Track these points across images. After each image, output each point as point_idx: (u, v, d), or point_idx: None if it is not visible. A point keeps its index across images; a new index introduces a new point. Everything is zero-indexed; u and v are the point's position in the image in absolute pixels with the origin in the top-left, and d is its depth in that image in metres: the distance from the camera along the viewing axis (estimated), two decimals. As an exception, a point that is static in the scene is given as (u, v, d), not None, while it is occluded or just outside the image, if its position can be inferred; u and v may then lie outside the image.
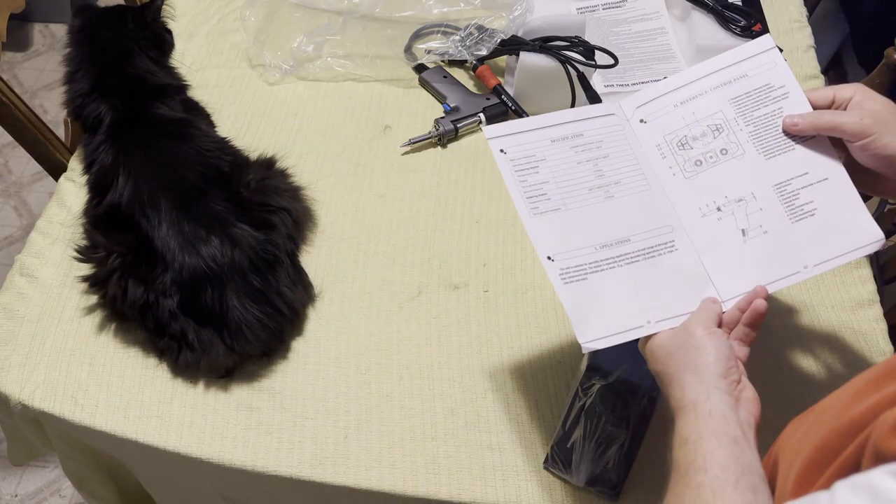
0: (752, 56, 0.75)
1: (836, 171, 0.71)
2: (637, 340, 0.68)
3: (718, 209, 0.71)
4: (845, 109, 0.69)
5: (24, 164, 2.03)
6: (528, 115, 1.08)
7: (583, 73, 1.03)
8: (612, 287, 0.68)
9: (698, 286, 0.69)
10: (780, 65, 0.74)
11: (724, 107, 0.73)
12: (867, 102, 0.68)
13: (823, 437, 0.47)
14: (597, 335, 0.66)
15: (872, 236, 0.69)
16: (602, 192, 0.71)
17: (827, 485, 0.43)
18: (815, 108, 0.72)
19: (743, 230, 0.70)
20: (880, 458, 0.40)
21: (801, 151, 0.71)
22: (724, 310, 0.68)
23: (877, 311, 0.91)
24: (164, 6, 1.02)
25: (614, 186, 0.71)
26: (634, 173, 0.72)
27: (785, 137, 0.72)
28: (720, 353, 0.62)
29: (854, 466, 0.43)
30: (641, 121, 0.74)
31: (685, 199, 0.72)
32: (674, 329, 0.66)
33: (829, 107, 0.71)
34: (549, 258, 0.67)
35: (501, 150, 0.70)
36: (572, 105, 1.04)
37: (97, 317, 0.88)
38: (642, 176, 0.72)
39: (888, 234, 1.09)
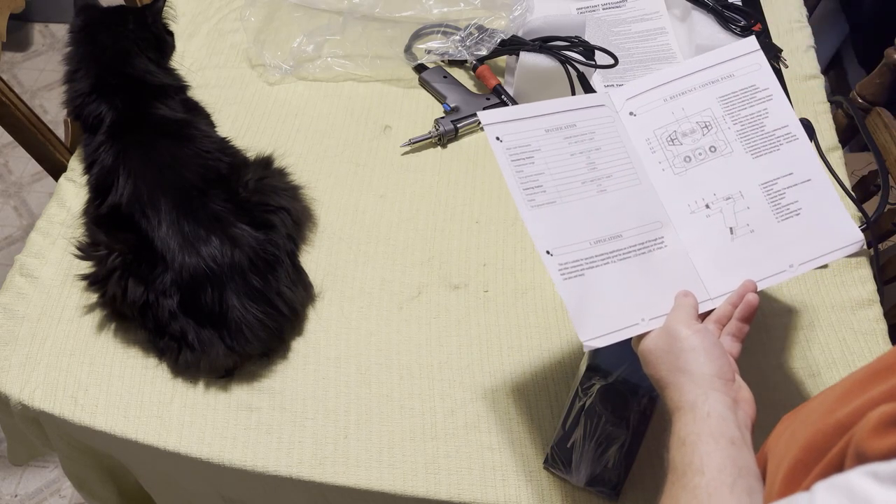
0: (738, 56, 0.76)
1: (818, 173, 0.72)
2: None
3: (707, 206, 0.71)
4: None
5: (24, 164, 2.03)
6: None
7: (583, 73, 1.03)
8: (607, 284, 0.68)
9: (687, 283, 0.69)
10: (764, 67, 0.75)
11: (713, 104, 0.74)
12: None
13: (810, 438, 0.47)
14: (596, 333, 0.66)
15: (853, 237, 0.71)
16: (595, 185, 0.71)
17: (812, 485, 0.42)
18: None
19: (731, 228, 0.71)
20: (861, 459, 0.40)
21: (785, 152, 0.73)
22: (713, 307, 0.68)
23: (877, 311, 0.91)
24: (164, 7, 1.02)
25: (606, 180, 0.72)
26: (625, 167, 0.73)
27: (771, 137, 0.73)
28: (710, 352, 0.62)
29: (838, 467, 0.43)
30: (631, 113, 0.75)
31: (674, 195, 0.72)
32: (658, 331, 0.66)
33: None
34: (548, 252, 0.67)
35: (497, 138, 0.70)
36: (572, 105, 1.05)
37: (97, 317, 0.88)
38: (632, 170, 0.73)
39: (888, 234, 1.09)
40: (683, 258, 0.70)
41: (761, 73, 0.75)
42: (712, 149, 0.73)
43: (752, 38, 0.77)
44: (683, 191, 0.72)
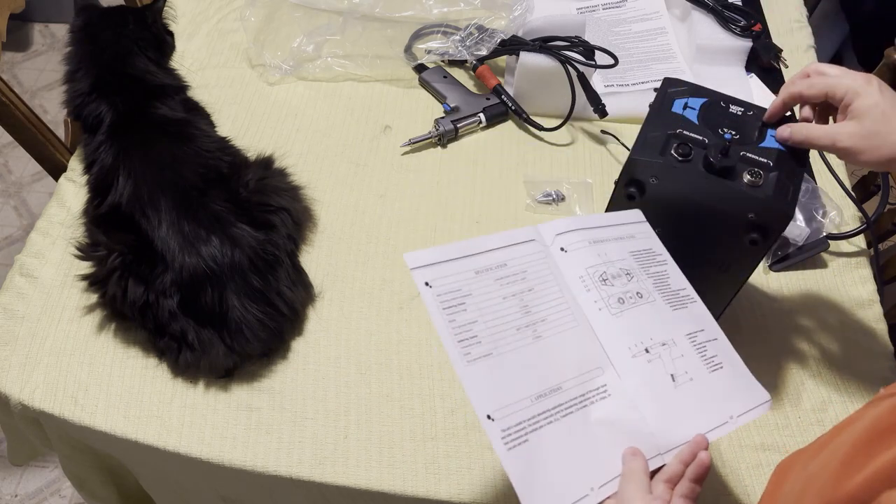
0: (631, 223, 0.74)
1: (720, 333, 0.70)
2: None
3: (646, 350, 0.67)
4: (840, 111, 0.68)
5: (24, 164, 2.03)
6: (527, 115, 1.08)
7: (583, 73, 1.03)
8: (551, 447, 0.60)
9: (635, 437, 0.63)
10: (653, 236, 0.74)
11: (627, 257, 0.72)
12: (863, 107, 0.65)
13: None
14: None
15: (762, 397, 0.68)
16: (530, 331, 0.64)
17: None
18: (806, 102, 0.71)
19: (672, 375, 0.66)
20: None
21: (693, 310, 0.71)
22: (662, 463, 0.63)
23: (877, 311, 0.92)
24: (164, 7, 1.02)
25: (542, 324, 0.65)
26: (561, 308, 0.67)
27: (681, 293, 0.71)
28: None
29: None
30: (562, 249, 0.70)
31: (614, 336, 0.67)
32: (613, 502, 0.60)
33: (822, 101, 0.70)
34: (489, 417, 0.58)
35: (427, 284, 0.62)
36: (572, 106, 1.05)
37: (97, 317, 0.88)
38: (569, 311, 0.67)
39: (888, 234, 1.09)
40: (629, 409, 0.64)
41: (654, 240, 0.74)
42: (639, 294, 0.70)
43: (638, 210, 0.75)
44: (622, 333, 0.67)
